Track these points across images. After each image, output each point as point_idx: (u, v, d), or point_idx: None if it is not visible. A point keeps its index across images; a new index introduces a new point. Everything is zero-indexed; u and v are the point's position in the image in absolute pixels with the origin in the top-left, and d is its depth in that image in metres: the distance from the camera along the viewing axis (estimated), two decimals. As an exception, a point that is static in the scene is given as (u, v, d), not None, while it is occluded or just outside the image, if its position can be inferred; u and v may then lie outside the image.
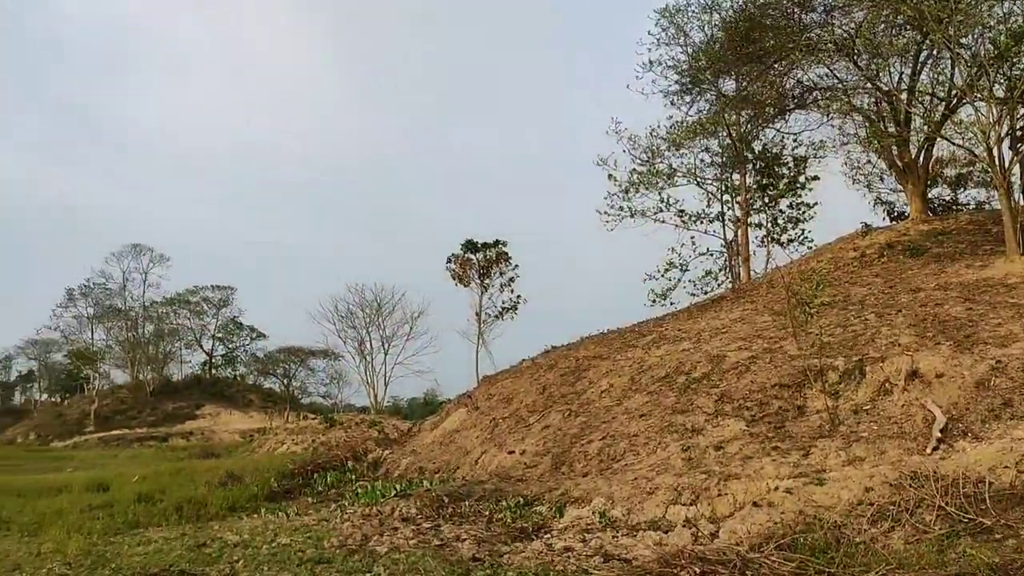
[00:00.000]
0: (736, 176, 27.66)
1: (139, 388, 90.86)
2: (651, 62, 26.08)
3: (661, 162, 27.07)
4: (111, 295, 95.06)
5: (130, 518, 12.46)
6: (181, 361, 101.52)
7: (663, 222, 27.50)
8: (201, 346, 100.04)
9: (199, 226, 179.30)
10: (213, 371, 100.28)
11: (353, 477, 17.40)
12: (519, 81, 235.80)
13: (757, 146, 27.67)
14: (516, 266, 42.16)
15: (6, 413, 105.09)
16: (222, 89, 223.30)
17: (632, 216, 27.21)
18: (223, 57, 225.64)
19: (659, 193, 27.30)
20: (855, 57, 21.74)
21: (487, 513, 10.57)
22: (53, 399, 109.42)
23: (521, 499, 11.04)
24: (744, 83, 25.20)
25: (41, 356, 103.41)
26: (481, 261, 41.74)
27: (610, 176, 27.10)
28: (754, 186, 27.67)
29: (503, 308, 42.01)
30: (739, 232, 26.91)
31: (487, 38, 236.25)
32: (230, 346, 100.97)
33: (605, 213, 27.30)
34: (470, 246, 41.74)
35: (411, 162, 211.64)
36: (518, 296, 42.17)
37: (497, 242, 41.76)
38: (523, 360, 22.59)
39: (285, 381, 75.91)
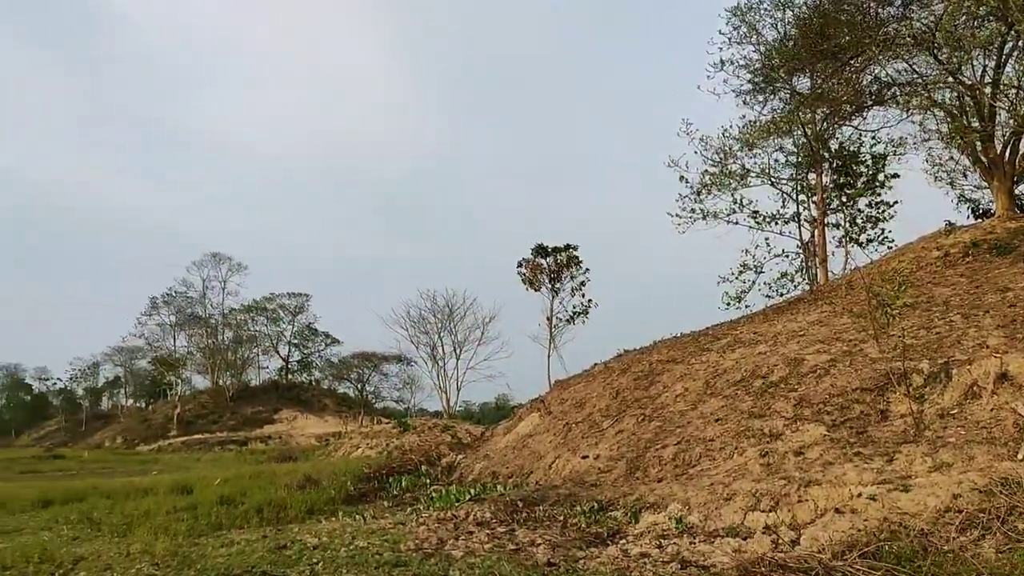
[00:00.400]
0: (812, 175, 27.06)
1: (219, 393, 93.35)
2: (722, 61, 25.70)
3: (734, 163, 26.66)
4: (192, 303, 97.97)
5: (213, 520, 12.77)
6: (259, 367, 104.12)
7: (736, 223, 27.07)
8: (278, 352, 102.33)
9: (273, 233, 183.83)
10: (289, 376, 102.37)
11: (427, 481, 17.54)
12: (592, 82, 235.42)
13: (834, 144, 27.03)
14: (587, 270, 42.04)
15: (95, 418, 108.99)
16: (293, 99, 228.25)
17: (704, 218, 26.85)
18: (294, 67, 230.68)
19: (732, 194, 26.87)
20: (935, 51, 21.08)
21: (561, 518, 10.53)
22: (138, 404, 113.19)
23: (596, 504, 10.96)
24: (819, 80, 24.64)
25: (127, 363, 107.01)
26: (552, 265, 41.71)
27: (681, 178, 26.80)
28: (831, 185, 27.02)
29: (574, 312, 41.90)
30: (816, 233, 26.30)
31: (556, 45, 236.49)
32: (305, 352, 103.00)
33: (677, 215, 27.01)
34: (540, 250, 41.76)
35: (479, 166, 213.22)
36: (589, 300, 42.04)
37: (568, 246, 41.70)
38: (595, 364, 22.47)
39: (359, 386, 77.04)
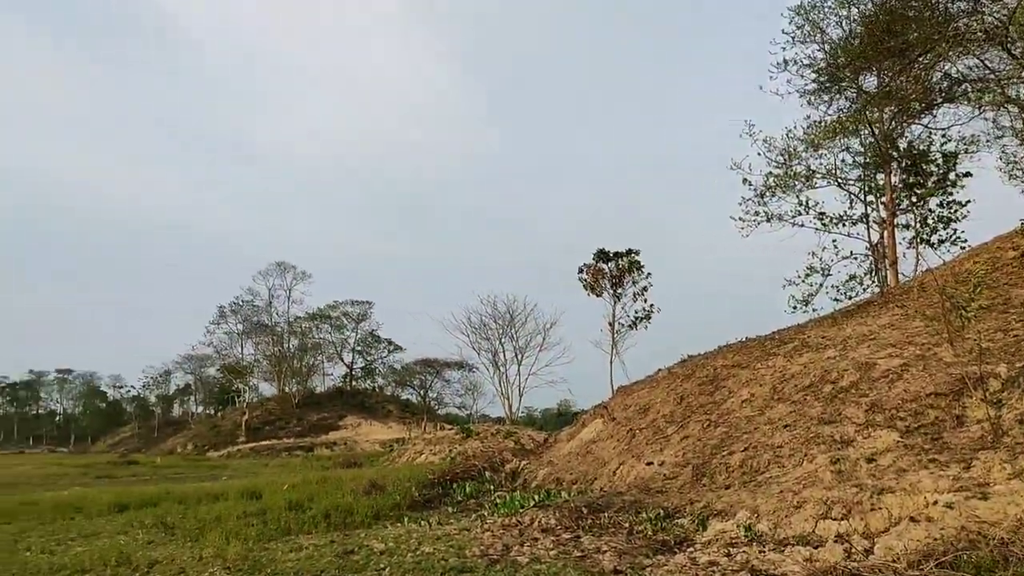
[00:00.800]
0: (880, 176, 26.42)
1: (285, 400, 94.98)
2: (786, 61, 25.29)
3: (798, 164, 26.18)
4: (258, 311, 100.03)
5: (282, 525, 12.96)
6: (323, 374, 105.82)
7: (802, 226, 26.56)
8: (342, 359, 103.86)
9: (335, 242, 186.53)
10: (353, 383, 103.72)
11: (491, 487, 17.55)
12: (644, 84, 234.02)
13: (902, 143, 26.36)
14: (648, 275, 41.71)
15: (167, 424, 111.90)
16: (352, 111, 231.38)
17: (768, 220, 26.40)
18: (351, 80, 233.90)
19: (797, 196, 26.39)
20: (1008, 45, 20.41)
21: (627, 525, 10.44)
22: (208, 411, 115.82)
23: (661, 511, 10.85)
24: (887, 78, 24.07)
25: (196, 370, 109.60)
26: (613, 271, 41.48)
27: (744, 180, 26.42)
28: (900, 185, 26.35)
29: (636, 318, 41.60)
30: (885, 234, 25.66)
31: (602, 46, 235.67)
32: (369, 358, 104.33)
33: (740, 219, 26.63)
34: (602, 255, 41.57)
35: (539, 173, 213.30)
36: (651, 305, 41.70)
37: (629, 251, 41.44)
38: (659, 370, 22.28)
39: (421, 392, 77.60)
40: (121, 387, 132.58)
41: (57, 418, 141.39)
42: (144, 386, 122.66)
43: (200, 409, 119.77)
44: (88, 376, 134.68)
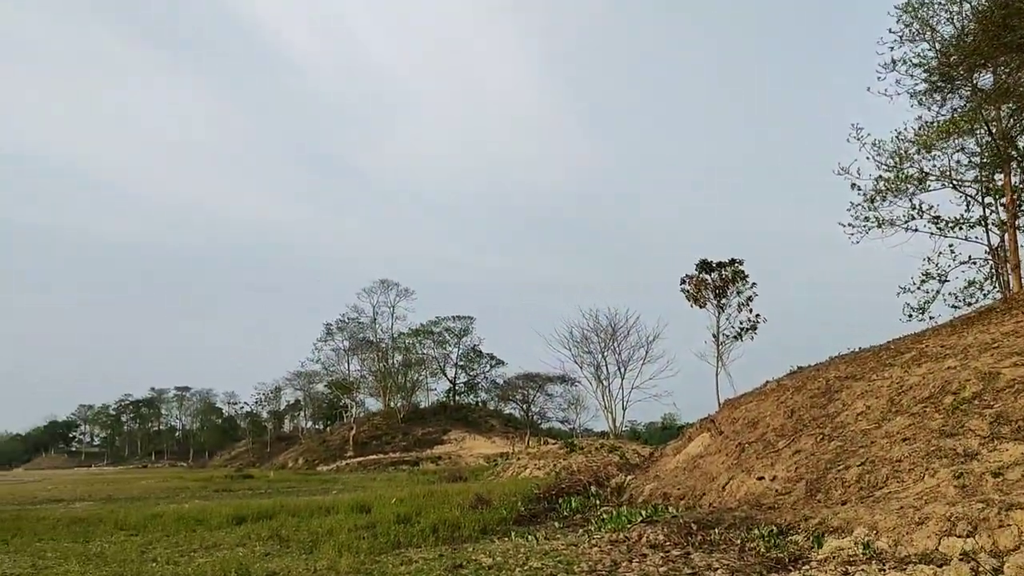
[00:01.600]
0: (999, 176, 25.20)
1: (391, 415, 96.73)
2: (894, 61, 24.42)
3: (910, 166, 25.22)
4: (363, 328, 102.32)
5: (392, 538, 13.17)
6: (427, 389, 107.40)
7: (915, 230, 25.55)
8: (445, 374, 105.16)
9: (438, 258, 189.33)
10: (457, 398, 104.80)
11: (597, 502, 17.44)
12: (745, 95, 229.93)
13: (1022, 142, 25.11)
14: (753, 284, 40.85)
15: (278, 439, 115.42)
16: (460, 131, 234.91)
17: (879, 226, 25.51)
18: (460, 101, 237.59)
19: (909, 199, 25.42)
20: None
21: (738, 542, 10.20)
22: (316, 426, 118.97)
23: (774, 528, 10.55)
24: (1003, 75, 22.97)
25: (305, 387, 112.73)
26: (716, 281, 40.80)
27: (853, 185, 25.60)
28: (1021, 186, 25.08)
29: (741, 328, 40.77)
30: (1006, 237, 24.43)
31: (706, 55, 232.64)
32: (471, 373, 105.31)
33: (849, 225, 25.82)
34: (704, 266, 40.95)
35: (630, 181, 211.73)
36: (757, 315, 40.80)
37: (733, 261, 40.68)
38: (767, 381, 21.75)
39: (524, 406, 77.66)
40: (235, 403, 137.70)
41: (177, 433, 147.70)
42: (256, 402, 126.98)
43: (309, 424, 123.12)
44: (205, 393, 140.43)
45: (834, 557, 8.85)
